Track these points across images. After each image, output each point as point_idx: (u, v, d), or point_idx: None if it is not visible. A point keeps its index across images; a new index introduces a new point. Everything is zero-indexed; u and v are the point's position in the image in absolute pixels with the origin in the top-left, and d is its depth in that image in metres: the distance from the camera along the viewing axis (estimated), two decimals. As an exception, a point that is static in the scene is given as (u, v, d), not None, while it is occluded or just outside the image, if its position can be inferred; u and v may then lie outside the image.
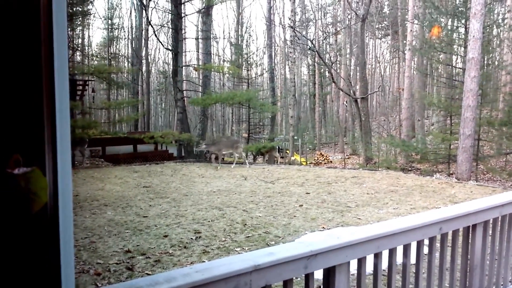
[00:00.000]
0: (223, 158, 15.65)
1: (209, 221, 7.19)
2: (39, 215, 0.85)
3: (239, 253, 5.48)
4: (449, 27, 21.43)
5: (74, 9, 20.38)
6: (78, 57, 32.04)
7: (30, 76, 0.86)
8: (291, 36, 26.79)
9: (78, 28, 33.78)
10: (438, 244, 2.64)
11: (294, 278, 1.87)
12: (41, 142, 0.87)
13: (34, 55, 0.86)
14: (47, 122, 0.88)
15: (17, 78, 0.86)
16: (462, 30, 19.74)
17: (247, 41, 36.72)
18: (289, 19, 27.86)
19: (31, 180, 0.81)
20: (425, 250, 2.62)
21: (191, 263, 5.17)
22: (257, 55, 40.46)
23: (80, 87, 20.94)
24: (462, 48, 18.99)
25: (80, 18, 27.59)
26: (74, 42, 31.58)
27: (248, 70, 28.52)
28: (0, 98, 0.84)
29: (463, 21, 19.28)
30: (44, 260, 0.89)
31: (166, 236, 6.31)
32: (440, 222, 2.51)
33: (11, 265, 0.86)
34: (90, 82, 22.83)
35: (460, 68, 20.06)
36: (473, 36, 13.43)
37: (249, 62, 29.57)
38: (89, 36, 41.90)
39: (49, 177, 0.89)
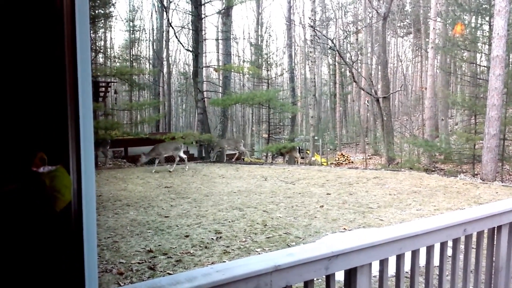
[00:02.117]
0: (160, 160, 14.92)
1: (229, 222, 7.22)
2: (64, 213, 0.87)
3: (259, 253, 5.48)
4: (472, 25, 21.06)
5: (97, 11, 20.71)
6: (101, 59, 32.52)
7: (54, 76, 0.88)
8: (311, 35, 26.71)
9: (101, 30, 34.32)
10: (462, 246, 2.59)
11: (315, 279, 1.86)
12: (65, 141, 0.89)
13: (58, 56, 0.88)
14: (71, 121, 0.90)
15: (42, 78, 0.87)
16: (486, 27, 19.38)
17: (267, 41, 36.81)
18: (309, 18, 27.75)
19: (56, 179, 0.83)
20: (449, 251, 2.57)
21: (212, 263, 5.20)
22: (277, 55, 40.43)
23: (103, 89, 21.28)
24: (487, 46, 18.63)
25: (103, 21, 28.05)
26: (97, 44, 32.12)
27: (268, 70, 28.54)
28: (26, 98, 0.86)
29: (487, 19, 18.92)
30: (68, 258, 0.91)
31: (187, 236, 6.36)
32: (464, 223, 2.46)
33: (37, 262, 0.87)
34: (112, 83, 23.17)
35: (484, 66, 19.68)
36: (498, 33, 13.15)
37: (269, 62, 29.60)
38: (111, 38, 42.53)
39: (73, 176, 0.90)
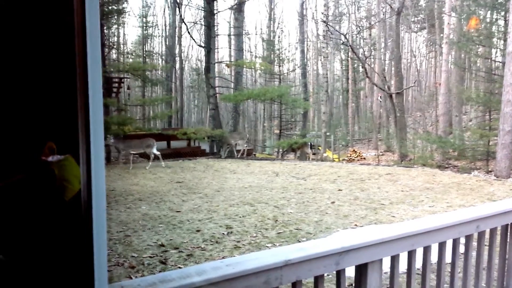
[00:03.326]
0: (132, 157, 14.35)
1: (240, 217, 7.23)
2: (73, 203, 0.87)
3: (270, 249, 5.48)
4: (488, 20, 20.74)
5: (110, 7, 20.80)
6: (114, 55, 32.73)
7: (65, 67, 0.88)
8: (324, 30, 26.57)
9: (114, 26, 34.48)
10: (474, 243, 2.56)
11: (325, 274, 1.85)
12: (75, 131, 0.89)
13: (68, 48, 0.88)
14: (80, 112, 0.90)
15: (52, 69, 0.88)
16: (501, 22, 19.10)
17: (279, 37, 36.68)
18: (322, 13, 27.59)
19: (65, 168, 0.83)
20: (461, 248, 2.54)
21: (223, 257, 5.21)
22: (289, 51, 40.33)
23: (116, 85, 21.39)
24: (502, 41, 18.34)
25: (116, 17, 28.15)
26: (110, 40, 32.27)
27: (280, 66, 28.46)
28: (36, 89, 0.87)
29: (502, 13, 18.64)
30: (77, 247, 0.91)
31: (198, 231, 6.39)
32: (477, 220, 2.43)
33: (45, 251, 0.88)
34: (125, 79, 23.30)
35: (499, 61, 19.40)
36: (514, 28, 12.94)
37: (281, 58, 29.50)
38: (124, 34, 42.75)
39: (82, 166, 0.91)
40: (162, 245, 5.70)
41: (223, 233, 6.26)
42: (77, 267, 0.92)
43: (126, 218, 7.18)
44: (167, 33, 39.22)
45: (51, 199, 0.85)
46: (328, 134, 25.80)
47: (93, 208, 0.92)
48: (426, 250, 2.24)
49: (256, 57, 39.21)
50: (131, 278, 4.62)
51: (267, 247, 5.65)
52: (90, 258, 0.92)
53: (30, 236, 0.87)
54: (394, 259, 2.09)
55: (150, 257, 5.26)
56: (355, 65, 36.78)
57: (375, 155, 25.12)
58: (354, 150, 25.30)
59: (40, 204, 0.86)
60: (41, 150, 0.83)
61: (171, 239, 5.97)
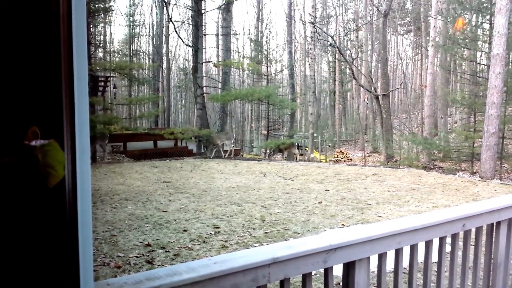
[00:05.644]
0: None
1: (228, 217, 7.21)
2: (57, 190, 0.85)
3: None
4: (473, 23, 21.03)
5: (96, 5, 20.60)
6: (100, 54, 32.44)
7: (49, 51, 0.86)
8: (311, 32, 26.65)
9: (100, 25, 34.20)
10: (460, 242, 2.58)
11: (313, 272, 1.85)
12: (60, 116, 0.87)
13: (53, 32, 0.86)
14: (65, 97, 0.87)
15: (36, 52, 0.85)
16: (486, 26, 19.39)
17: (267, 38, 36.77)
18: (310, 15, 27.69)
19: (49, 153, 0.81)
20: (447, 248, 2.56)
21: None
22: (277, 52, 40.41)
23: (102, 83, 21.19)
24: (487, 44, 18.61)
25: (102, 15, 27.90)
26: (96, 38, 31.99)
27: (267, 67, 28.49)
28: (21, 73, 0.84)
29: (487, 17, 18.92)
30: (62, 236, 0.89)
31: (185, 230, 6.35)
32: (463, 218, 2.45)
33: (28, 238, 0.85)
34: (111, 78, 23.10)
35: (484, 64, 19.68)
36: (498, 32, 13.14)
37: (268, 59, 29.54)
38: (111, 33, 42.45)
39: (67, 153, 0.88)
40: (149, 245, 5.65)
41: (210, 233, 6.23)
42: (62, 261, 0.89)
43: (112, 217, 7.10)
44: (154, 32, 39.04)
45: (34, 185, 0.83)
46: (315, 135, 25.89)
47: (78, 196, 0.89)
48: (413, 248, 2.25)
49: (244, 57, 39.16)
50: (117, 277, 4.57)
51: (255, 246, 5.64)
52: (75, 250, 0.89)
53: (10, 226, 0.84)
54: (382, 257, 2.09)
55: (137, 256, 5.21)
56: (342, 66, 37.04)
57: (362, 156, 25.30)
58: (341, 151, 25.44)
59: (22, 191, 0.83)
60: (24, 135, 0.81)
61: (157, 239, 5.93)
